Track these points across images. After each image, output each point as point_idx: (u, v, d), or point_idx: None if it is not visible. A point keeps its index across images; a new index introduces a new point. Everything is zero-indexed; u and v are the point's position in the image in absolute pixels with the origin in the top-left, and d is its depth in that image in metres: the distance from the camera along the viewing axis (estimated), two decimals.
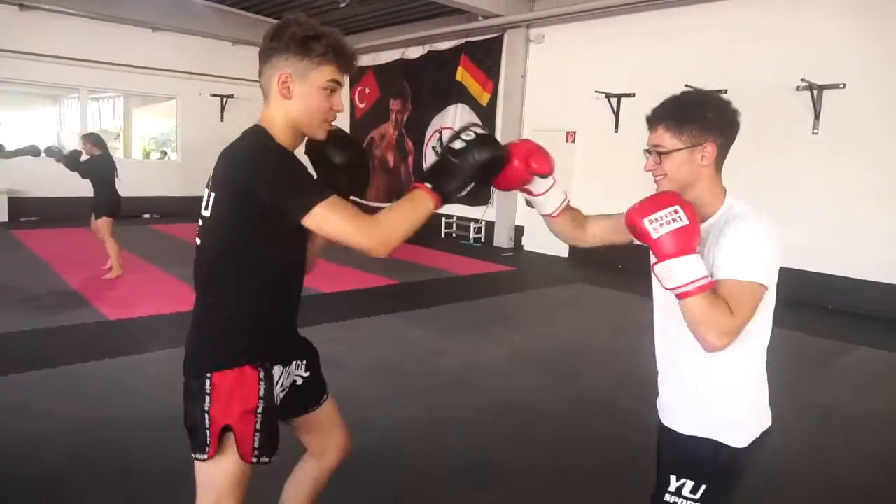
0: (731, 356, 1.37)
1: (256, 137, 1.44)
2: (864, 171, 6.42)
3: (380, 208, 1.42)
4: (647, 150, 1.46)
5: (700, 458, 1.41)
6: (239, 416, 1.44)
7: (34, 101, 12.14)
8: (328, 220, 1.33)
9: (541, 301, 6.78)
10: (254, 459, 1.47)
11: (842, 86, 6.47)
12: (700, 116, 1.38)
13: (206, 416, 1.44)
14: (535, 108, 9.76)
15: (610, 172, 8.04)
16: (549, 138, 9.30)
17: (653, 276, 1.50)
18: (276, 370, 1.55)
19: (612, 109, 8.58)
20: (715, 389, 1.42)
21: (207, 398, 1.44)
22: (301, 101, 1.44)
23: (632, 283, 6.78)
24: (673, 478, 1.44)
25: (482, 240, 10.50)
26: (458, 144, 1.44)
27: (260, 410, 1.47)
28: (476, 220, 10.53)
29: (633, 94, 8.35)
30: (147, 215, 11.61)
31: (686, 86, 7.42)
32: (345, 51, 1.44)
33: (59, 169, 6.52)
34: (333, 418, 1.78)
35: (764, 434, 1.45)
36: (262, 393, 1.48)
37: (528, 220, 9.90)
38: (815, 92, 6.57)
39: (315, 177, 1.48)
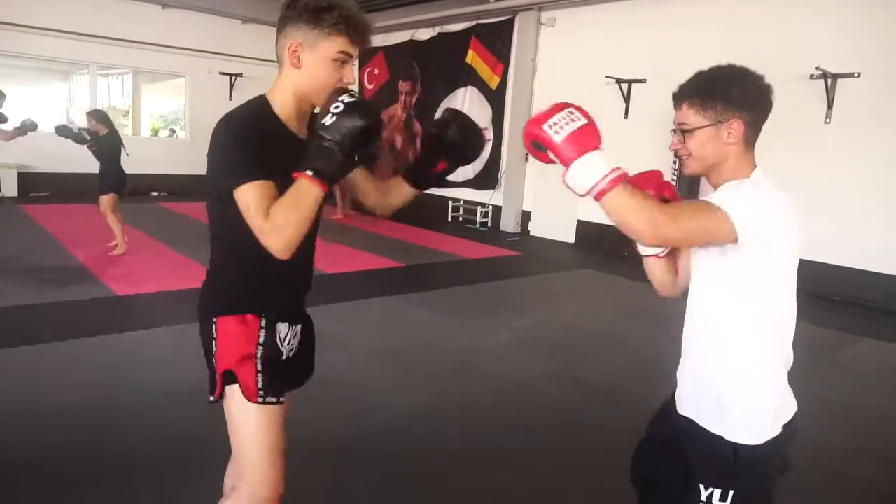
0: (740, 346, 1.34)
1: (245, 108, 1.46)
2: (875, 161, 6.35)
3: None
4: (673, 130, 1.42)
5: (721, 460, 1.36)
6: (238, 360, 1.48)
7: (43, 77, 12.14)
8: (243, 203, 1.35)
9: (546, 286, 6.78)
10: (259, 399, 1.47)
11: (856, 75, 6.39)
12: (725, 92, 1.33)
13: (213, 359, 1.51)
14: (546, 92, 9.67)
15: (618, 159, 7.93)
16: None
17: (690, 267, 1.44)
18: (282, 326, 1.56)
19: (623, 95, 8.51)
20: (726, 383, 1.37)
21: (213, 342, 1.51)
22: (310, 72, 1.44)
23: (637, 270, 6.71)
24: (702, 487, 1.38)
25: (489, 224, 10.48)
26: (327, 120, 1.33)
27: (259, 355, 1.49)
28: (483, 205, 10.51)
29: (644, 80, 8.27)
30: (155, 193, 11.64)
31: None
32: (357, 23, 1.43)
33: (70, 144, 6.51)
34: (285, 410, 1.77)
35: (786, 427, 1.38)
36: (262, 339, 1.51)
37: (535, 205, 9.88)
38: (829, 81, 6.49)
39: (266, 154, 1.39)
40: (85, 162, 6.35)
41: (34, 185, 10.52)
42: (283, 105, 1.47)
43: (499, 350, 4.46)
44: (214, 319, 1.51)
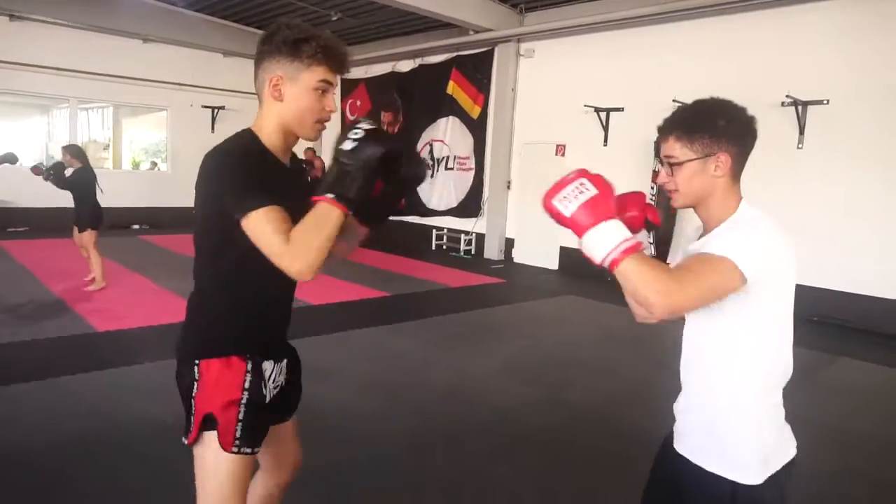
0: (738, 383, 1.32)
1: (235, 140, 1.46)
2: (848, 185, 6.52)
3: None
4: (660, 162, 1.41)
5: (719, 499, 1.33)
6: (221, 406, 1.45)
7: (22, 111, 12.08)
8: (257, 230, 1.32)
9: (531, 313, 6.79)
10: (234, 449, 1.46)
11: (825, 101, 6.59)
12: (711, 125, 1.32)
13: (192, 402, 1.47)
14: (526, 122, 9.84)
15: None
16: (539, 151, 9.39)
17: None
18: (267, 365, 1.55)
19: (602, 123, 8.67)
20: (725, 421, 1.35)
21: (195, 384, 1.47)
22: (293, 103, 1.45)
23: (621, 295, 6.79)
24: None
25: (472, 252, 10.52)
26: (347, 146, 1.34)
27: (244, 401, 1.47)
28: (466, 233, 10.56)
29: (622, 109, 8.45)
30: (136, 226, 11.54)
31: (674, 100, 7.52)
32: (335, 51, 1.45)
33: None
34: (294, 431, 1.77)
35: (786, 467, 1.35)
36: (247, 384, 1.48)
37: (519, 232, 9.95)
38: (800, 108, 6.68)
39: (265, 184, 1.39)
40: (64, 196, 6.28)
41: (11, 221, 10.38)
42: (268, 137, 1.48)
43: (484, 378, 4.44)
44: (197, 361, 1.47)
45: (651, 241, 1.56)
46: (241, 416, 1.46)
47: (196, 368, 1.47)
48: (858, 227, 6.46)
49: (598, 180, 1.23)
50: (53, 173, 6.19)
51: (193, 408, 1.47)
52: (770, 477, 1.32)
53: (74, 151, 6.28)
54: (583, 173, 1.24)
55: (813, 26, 6.71)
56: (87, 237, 6.18)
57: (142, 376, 4.04)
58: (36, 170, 6.35)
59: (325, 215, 1.33)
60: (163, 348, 4.50)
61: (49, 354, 4.41)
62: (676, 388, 1.54)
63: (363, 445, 3.23)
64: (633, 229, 1.46)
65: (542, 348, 5.31)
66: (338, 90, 1.52)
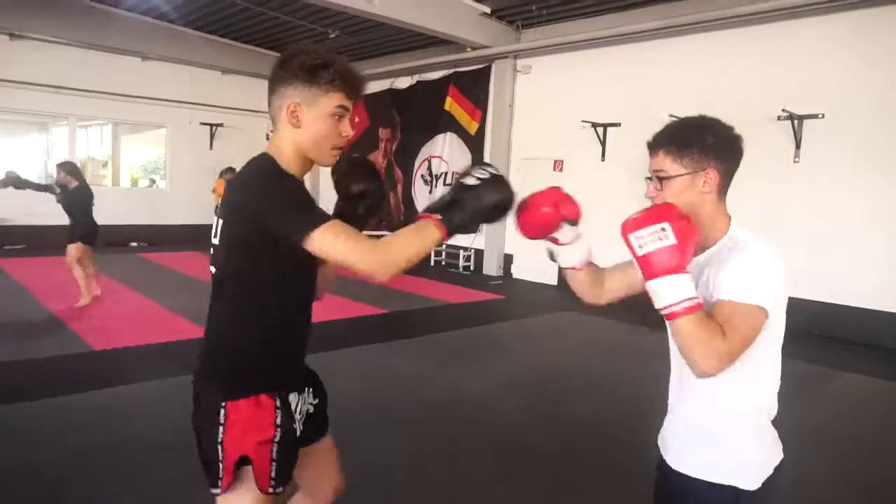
0: (737, 393, 1.34)
1: (263, 164, 1.45)
2: (844, 198, 6.54)
3: (374, 236, 1.41)
4: (648, 177, 1.43)
5: None
6: (255, 447, 1.42)
7: (21, 129, 12.12)
8: (329, 242, 1.31)
9: (530, 329, 6.77)
10: (271, 490, 1.44)
11: (821, 116, 6.63)
12: (701, 141, 1.35)
13: (220, 447, 1.41)
14: (523, 137, 9.88)
15: (598, 201, 8.08)
16: (537, 167, 9.42)
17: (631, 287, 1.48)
18: (293, 397, 1.53)
19: (599, 139, 8.71)
20: (725, 429, 1.37)
21: (220, 428, 1.41)
22: (310, 129, 1.44)
23: (619, 311, 6.77)
24: None
25: (471, 268, 10.51)
26: (470, 181, 1.40)
27: (277, 439, 1.44)
28: (465, 248, 10.56)
29: (619, 124, 8.49)
30: (134, 244, 11.53)
31: (670, 115, 7.55)
32: (353, 77, 1.46)
33: (45, 197, 6.45)
34: (332, 453, 1.74)
35: (776, 470, 1.39)
36: (279, 421, 1.45)
37: (518, 248, 9.95)
38: (796, 122, 6.72)
39: (317, 203, 1.46)
40: (60, 214, 6.26)
41: (8, 238, 10.37)
42: (287, 163, 1.46)
43: (484, 394, 4.41)
44: (224, 404, 1.42)
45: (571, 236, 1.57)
46: (275, 456, 1.44)
47: (222, 411, 1.42)
48: (856, 239, 6.47)
49: (680, 228, 1.22)
50: (57, 194, 6.17)
51: (222, 453, 1.41)
52: (766, 480, 1.36)
53: (70, 169, 6.26)
54: (669, 215, 1.24)
55: (808, 41, 6.77)
56: (73, 250, 6.13)
57: (139, 395, 4.00)
58: (51, 189, 6.25)
59: (426, 231, 1.37)
60: (160, 367, 4.47)
61: (46, 373, 4.38)
62: None
63: (362, 463, 3.19)
64: (553, 227, 1.52)
65: (542, 364, 5.28)
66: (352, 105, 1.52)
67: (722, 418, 1.37)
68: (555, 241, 1.59)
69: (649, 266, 1.23)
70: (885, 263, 6.33)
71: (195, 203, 11.53)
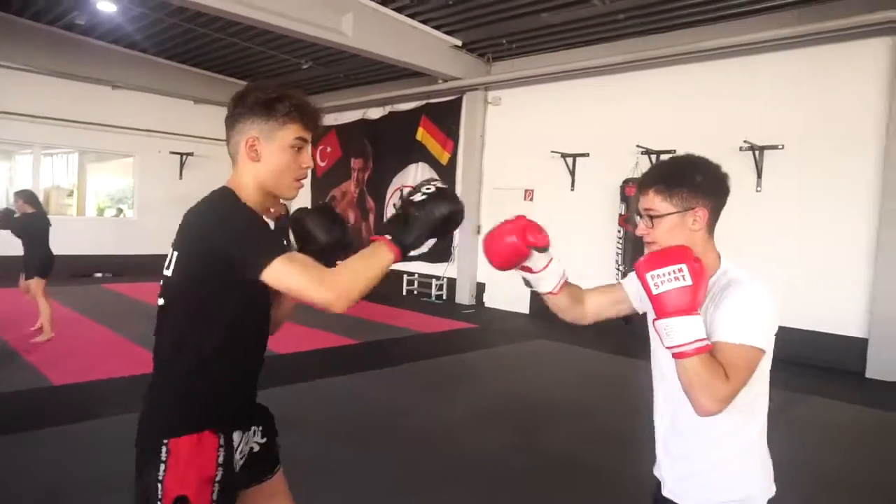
0: (736, 427, 1.37)
1: (222, 197, 1.44)
2: (805, 226, 6.75)
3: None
4: (638, 214, 1.46)
5: None
6: (196, 486, 1.38)
7: None
8: (286, 273, 1.30)
9: (503, 358, 6.76)
10: None
11: (780, 146, 6.86)
12: (690, 180, 1.39)
13: (160, 485, 1.37)
14: (495, 167, 10.00)
15: (567, 229, 8.22)
16: (508, 196, 9.52)
17: (651, 340, 1.47)
18: (236, 436, 1.49)
19: (568, 168, 8.86)
20: (718, 463, 1.39)
21: (162, 466, 1.37)
22: (270, 162, 1.45)
23: (593, 339, 6.84)
24: None
25: (444, 297, 10.50)
26: (417, 197, 1.42)
27: (218, 479, 1.41)
28: (438, 277, 10.56)
29: (588, 154, 8.66)
30: (99, 274, 11.26)
31: (637, 146, 7.75)
32: (308, 108, 1.48)
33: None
34: (284, 490, 1.70)
35: (770, 502, 1.42)
36: (221, 460, 1.42)
37: (490, 276, 9.98)
38: (757, 152, 6.94)
39: (276, 237, 1.46)
40: (17, 243, 6.07)
41: None
42: (248, 197, 1.46)
43: (459, 424, 4.37)
44: (166, 441, 1.38)
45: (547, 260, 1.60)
46: (215, 496, 1.40)
47: (164, 448, 1.38)
48: (818, 265, 6.65)
49: (696, 271, 1.24)
50: (2, 219, 6.00)
51: (161, 492, 1.37)
52: None
53: (27, 197, 6.12)
54: (685, 257, 1.25)
55: (767, 75, 7.04)
56: (35, 285, 5.97)
57: (102, 431, 3.87)
58: None
59: (379, 254, 1.37)
60: (125, 401, 4.33)
61: (2, 409, 4.21)
62: (650, 430, 1.53)
63: (337, 496, 3.13)
64: (521, 256, 1.54)
65: (516, 393, 5.26)
66: (310, 137, 1.53)
67: (715, 452, 1.39)
68: (527, 269, 1.60)
69: (663, 305, 1.25)
70: (846, 289, 6.51)
71: (163, 232, 11.17)
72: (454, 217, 1.44)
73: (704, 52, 7.32)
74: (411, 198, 1.42)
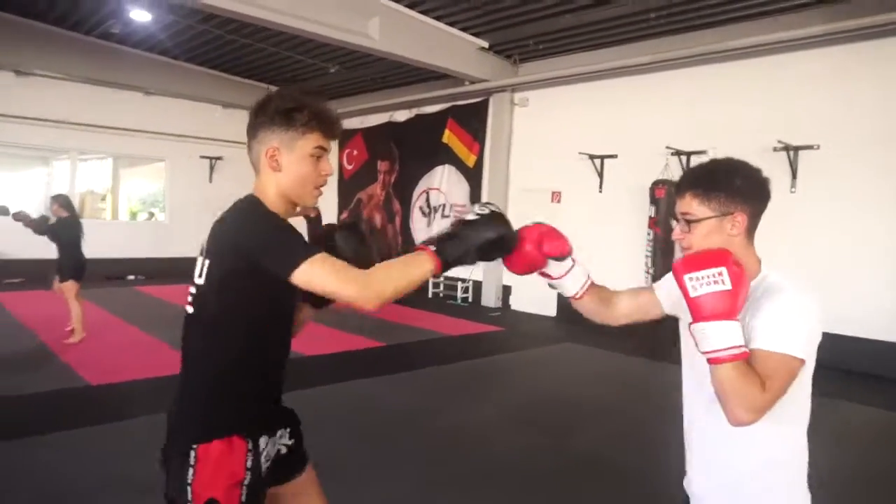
0: (772, 439, 1.32)
1: (249, 205, 1.46)
2: (841, 227, 6.56)
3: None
4: (674, 218, 1.42)
5: None
6: (225, 490, 1.40)
7: (23, 163, 12.19)
8: (317, 274, 1.32)
9: (530, 361, 6.71)
10: None
11: (816, 147, 6.69)
12: (728, 184, 1.34)
13: (189, 489, 1.39)
14: (521, 169, 9.95)
15: (595, 231, 8.14)
16: (535, 198, 9.46)
17: (683, 346, 1.44)
18: (262, 440, 1.51)
19: (596, 170, 8.77)
20: (749, 479, 1.35)
21: (191, 470, 1.40)
22: (291, 172, 1.46)
23: (619, 342, 6.74)
24: None
25: (469, 299, 10.47)
26: (470, 217, 1.43)
27: (247, 482, 1.43)
28: (463, 280, 10.54)
29: (616, 156, 8.56)
30: (132, 277, 11.50)
31: (667, 147, 7.64)
32: (327, 117, 1.48)
33: None
34: (315, 487, 1.71)
35: None
36: (249, 464, 1.44)
37: (516, 279, 9.92)
38: (791, 153, 6.78)
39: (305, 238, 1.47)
40: (51, 247, 6.22)
41: (7, 272, 10.33)
42: (271, 205, 1.47)
43: (486, 428, 4.34)
44: (195, 447, 1.41)
45: (572, 263, 1.59)
46: (244, 499, 1.42)
47: (193, 454, 1.40)
48: (854, 268, 6.46)
49: (736, 275, 1.21)
50: (26, 217, 6.13)
51: (191, 494, 1.39)
52: None
53: (63, 201, 6.28)
54: (725, 260, 1.22)
55: (800, 73, 6.87)
56: (68, 287, 6.13)
57: (137, 431, 3.94)
58: (17, 216, 6.20)
59: (419, 262, 1.38)
60: (158, 401, 4.39)
61: (42, 409, 4.32)
62: (675, 434, 1.49)
63: (364, 496, 3.13)
64: (538, 264, 1.55)
65: (542, 396, 5.22)
66: (335, 144, 1.54)
67: (747, 466, 1.34)
68: (547, 276, 1.61)
69: (700, 309, 1.22)
70: (884, 293, 6.32)
71: (194, 236, 11.40)
72: (502, 243, 1.46)
73: (733, 50, 7.17)
74: (464, 216, 1.43)
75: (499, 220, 1.44)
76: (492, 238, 1.42)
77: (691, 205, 1.36)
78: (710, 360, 1.21)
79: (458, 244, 1.41)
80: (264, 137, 1.46)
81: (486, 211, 1.44)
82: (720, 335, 1.19)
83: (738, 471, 1.35)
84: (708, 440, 1.41)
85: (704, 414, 1.40)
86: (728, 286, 1.20)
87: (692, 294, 1.22)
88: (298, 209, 1.55)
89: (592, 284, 1.63)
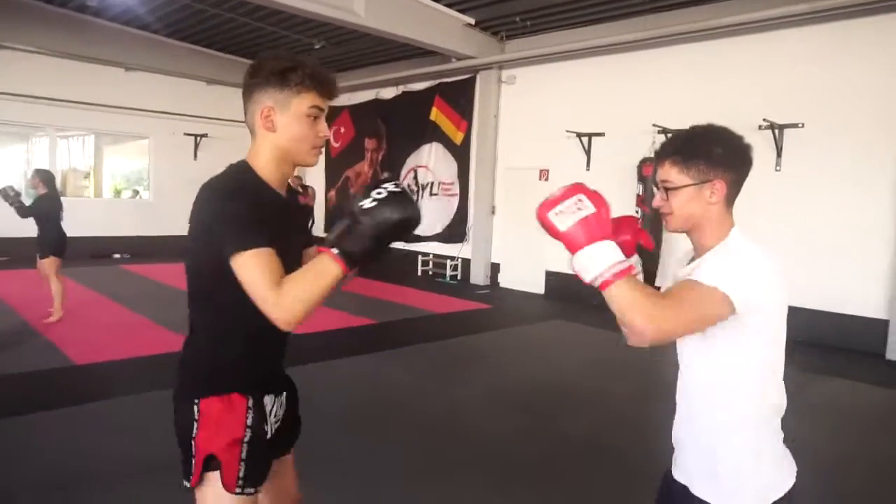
0: (732, 410, 1.33)
1: (230, 173, 1.46)
2: (825, 205, 6.63)
3: None
4: (655, 186, 1.41)
5: None
6: (225, 446, 1.43)
7: (2, 139, 11.97)
8: (245, 270, 1.30)
9: (518, 339, 6.76)
10: (237, 490, 1.43)
11: (801, 125, 6.72)
12: (708, 152, 1.33)
13: (193, 443, 1.43)
14: (509, 147, 9.93)
15: None
16: (523, 176, 9.46)
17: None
18: (268, 399, 1.53)
19: (584, 148, 8.77)
20: (720, 450, 1.35)
21: (195, 425, 1.44)
22: (286, 131, 1.45)
23: (607, 319, 6.78)
24: None
25: (458, 277, 10.50)
26: (367, 204, 1.32)
27: (247, 440, 1.45)
28: (452, 258, 10.56)
29: (603, 133, 8.56)
30: (117, 255, 11.39)
31: (653, 125, 7.64)
32: (323, 76, 1.47)
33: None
34: (290, 465, 1.73)
35: (786, 495, 1.35)
36: (249, 422, 1.46)
37: (504, 256, 9.97)
38: (777, 131, 6.81)
39: (262, 223, 1.37)
40: (31, 226, 6.12)
41: None
42: (264, 169, 1.47)
43: (473, 406, 4.39)
44: (197, 401, 1.44)
45: (639, 267, 1.54)
46: (244, 456, 1.44)
47: (196, 408, 1.44)
48: (837, 245, 6.55)
49: (595, 198, 1.22)
50: (14, 198, 6.06)
51: (194, 449, 1.43)
52: None
53: (44, 176, 6.21)
54: (580, 188, 1.23)
55: (787, 52, 6.88)
56: (48, 264, 6.08)
57: (123, 411, 3.94)
58: (5, 193, 6.13)
59: (325, 270, 1.31)
60: (143, 381, 4.40)
61: (25, 389, 4.30)
62: (667, 414, 1.52)
63: (351, 478, 3.16)
64: (625, 253, 1.43)
65: (530, 375, 5.27)
66: (327, 105, 1.52)
67: (719, 431, 1.35)
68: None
69: (574, 238, 1.20)
70: (868, 270, 6.41)
71: (179, 214, 11.28)
72: (406, 224, 1.34)
73: (723, 28, 7.15)
74: (360, 203, 1.32)
75: (399, 198, 1.33)
76: (394, 222, 1.31)
77: (670, 172, 1.36)
78: (600, 286, 1.20)
79: (358, 238, 1.32)
80: (259, 98, 1.45)
81: (384, 193, 1.32)
82: (601, 257, 1.19)
83: (710, 439, 1.37)
84: (695, 425, 1.42)
85: (686, 398, 1.44)
86: (592, 209, 1.20)
87: (562, 228, 1.21)
88: (292, 179, 1.52)
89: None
